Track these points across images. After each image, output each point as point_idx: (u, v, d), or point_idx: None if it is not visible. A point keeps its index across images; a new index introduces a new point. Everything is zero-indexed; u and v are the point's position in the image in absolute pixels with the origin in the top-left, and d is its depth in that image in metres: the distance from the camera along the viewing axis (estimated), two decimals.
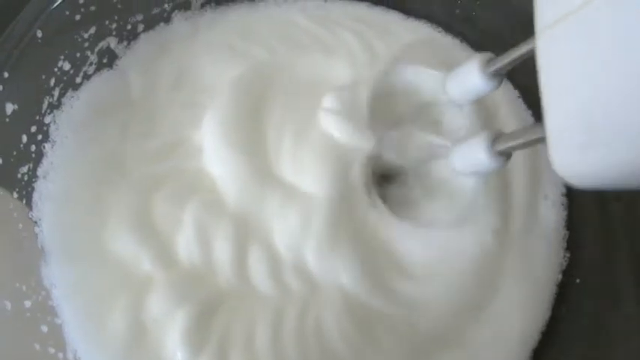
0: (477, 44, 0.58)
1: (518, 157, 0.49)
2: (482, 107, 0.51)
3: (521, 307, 0.46)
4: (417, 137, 0.50)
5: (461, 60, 0.56)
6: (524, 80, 0.55)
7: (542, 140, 0.29)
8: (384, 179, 0.52)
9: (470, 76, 0.41)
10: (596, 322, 0.44)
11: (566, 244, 0.50)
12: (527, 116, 0.54)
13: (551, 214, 0.50)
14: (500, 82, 0.40)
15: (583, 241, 0.49)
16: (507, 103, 0.54)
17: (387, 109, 0.51)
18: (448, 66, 0.54)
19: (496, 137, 0.37)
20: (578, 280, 0.47)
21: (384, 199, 0.48)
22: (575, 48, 0.23)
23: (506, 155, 0.38)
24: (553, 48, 0.25)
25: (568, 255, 0.49)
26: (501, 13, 0.56)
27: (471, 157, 0.40)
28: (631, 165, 0.22)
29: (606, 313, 0.44)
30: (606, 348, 0.42)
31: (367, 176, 0.48)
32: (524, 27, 0.52)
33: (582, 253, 0.48)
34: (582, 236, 0.49)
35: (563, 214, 0.50)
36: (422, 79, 0.51)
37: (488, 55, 0.39)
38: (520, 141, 0.35)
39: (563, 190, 0.51)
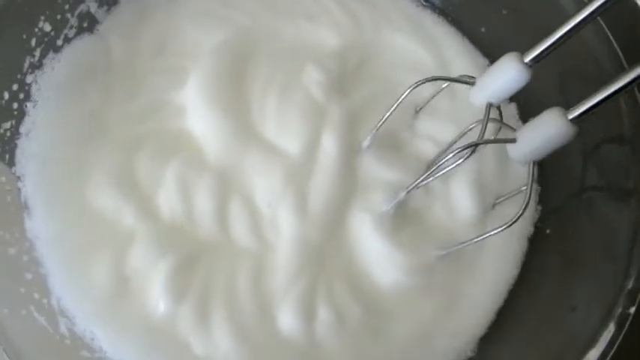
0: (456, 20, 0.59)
1: None
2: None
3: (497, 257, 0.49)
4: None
5: (439, 37, 0.57)
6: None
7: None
8: None
9: (507, 72, 0.38)
10: (564, 267, 0.46)
11: (538, 197, 0.51)
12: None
13: (525, 172, 0.51)
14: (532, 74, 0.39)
15: (553, 193, 0.51)
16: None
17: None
18: (431, 48, 0.56)
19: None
20: (548, 231, 0.49)
21: None
22: None
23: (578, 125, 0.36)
24: None
25: (540, 208, 0.51)
26: None
27: (543, 136, 0.37)
28: None
29: (572, 261, 0.46)
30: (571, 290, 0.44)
31: None
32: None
33: (552, 206, 0.50)
34: (553, 189, 0.51)
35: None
36: None
37: (516, 53, 0.38)
38: (592, 102, 0.34)
39: None
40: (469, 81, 0.42)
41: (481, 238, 0.41)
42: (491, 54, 0.57)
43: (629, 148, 0.44)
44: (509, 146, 0.39)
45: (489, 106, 0.40)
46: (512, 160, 0.39)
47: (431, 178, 0.41)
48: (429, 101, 0.50)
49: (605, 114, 0.44)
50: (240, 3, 0.56)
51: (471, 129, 0.45)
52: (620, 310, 0.38)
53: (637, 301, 0.38)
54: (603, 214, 0.45)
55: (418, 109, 0.51)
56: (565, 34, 0.37)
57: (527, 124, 0.38)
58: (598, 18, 0.44)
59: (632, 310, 0.38)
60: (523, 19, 0.53)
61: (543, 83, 0.48)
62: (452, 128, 0.48)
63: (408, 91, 0.44)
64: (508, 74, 0.39)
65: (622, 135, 0.44)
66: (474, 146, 0.38)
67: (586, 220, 0.46)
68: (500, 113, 0.42)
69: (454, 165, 0.39)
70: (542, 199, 0.51)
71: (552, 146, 0.37)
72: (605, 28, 0.45)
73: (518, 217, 0.38)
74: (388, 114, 0.45)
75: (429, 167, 0.41)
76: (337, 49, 0.54)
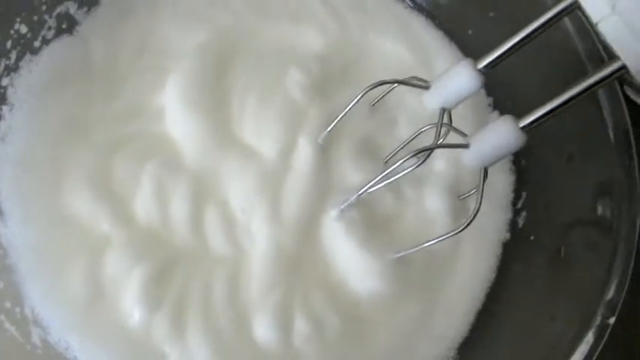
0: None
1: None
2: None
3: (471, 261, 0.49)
4: None
5: (426, 41, 0.57)
6: None
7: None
8: None
9: (460, 78, 0.40)
10: (545, 275, 0.46)
11: (521, 204, 0.51)
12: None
13: (498, 179, 0.51)
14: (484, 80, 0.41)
15: (537, 200, 0.50)
16: None
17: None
18: (418, 52, 0.55)
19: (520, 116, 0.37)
20: (532, 238, 0.49)
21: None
22: None
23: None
24: None
25: (525, 214, 0.51)
26: None
27: (494, 142, 0.38)
28: None
29: (553, 269, 0.46)
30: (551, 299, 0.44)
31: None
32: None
33: (536, 212, 0.50)
34: (538, 196, 0.51)
35: (511, 178, 0.52)
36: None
37: (470, 59, 0.41)
38: (541, 112, 0.36)
39: (510, 157, 0.53)
40: (423, 85, 0.42)
41: (434, 241, 0.40)
42: (478, 57, 0.57)
43: (615, 155, 0.43)
44: (462, 152, 0.39)
45: (442, 111, 0.41)
46: (464, 165, 0.40)
47: (384, 183, 0.41)
48: (381, 98, 0.50)
49: (591, 120, 0.44)
50: (226, 3, 0.55)
51: (423, 131, 0.45)
52: (599, 320, 0.38)
53: (616, 311, 0.38)
54: (587, 223, 0.45)
55: (372, 104, 0.51)
56: (518, 42, 0.39)
57: (480, 131, 0.39)
58: (591, 31, 0.44)
59: (612, 320, 0.38)
60: (510, 22, 0.52)
61: (535, 98, 0.48)
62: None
63: (362, 93, 0.44)
64: (460, 80, 0.40)
65: (608, 139, 0.44)
66: (428, 150, 0.38)
67: (569, 229, 0.46)
68: (450, 118, 0.43)
69: (408, 170, 0.39)
70: (526, 206, 0.51)
71: (503, 153, 0.38)
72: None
73: (469, 223, 0.38)
74: (342, 114, 0.45)
75: (386, 168, 0.41)
76: (322, 52, 0.53)
